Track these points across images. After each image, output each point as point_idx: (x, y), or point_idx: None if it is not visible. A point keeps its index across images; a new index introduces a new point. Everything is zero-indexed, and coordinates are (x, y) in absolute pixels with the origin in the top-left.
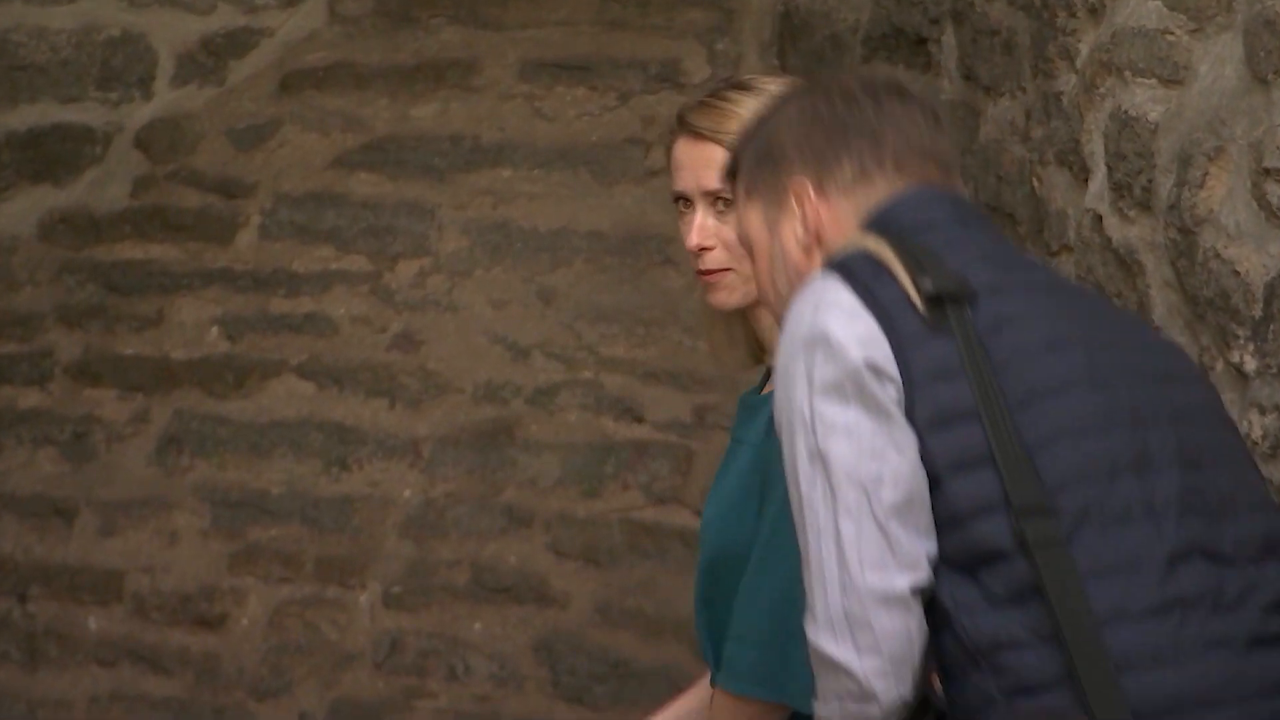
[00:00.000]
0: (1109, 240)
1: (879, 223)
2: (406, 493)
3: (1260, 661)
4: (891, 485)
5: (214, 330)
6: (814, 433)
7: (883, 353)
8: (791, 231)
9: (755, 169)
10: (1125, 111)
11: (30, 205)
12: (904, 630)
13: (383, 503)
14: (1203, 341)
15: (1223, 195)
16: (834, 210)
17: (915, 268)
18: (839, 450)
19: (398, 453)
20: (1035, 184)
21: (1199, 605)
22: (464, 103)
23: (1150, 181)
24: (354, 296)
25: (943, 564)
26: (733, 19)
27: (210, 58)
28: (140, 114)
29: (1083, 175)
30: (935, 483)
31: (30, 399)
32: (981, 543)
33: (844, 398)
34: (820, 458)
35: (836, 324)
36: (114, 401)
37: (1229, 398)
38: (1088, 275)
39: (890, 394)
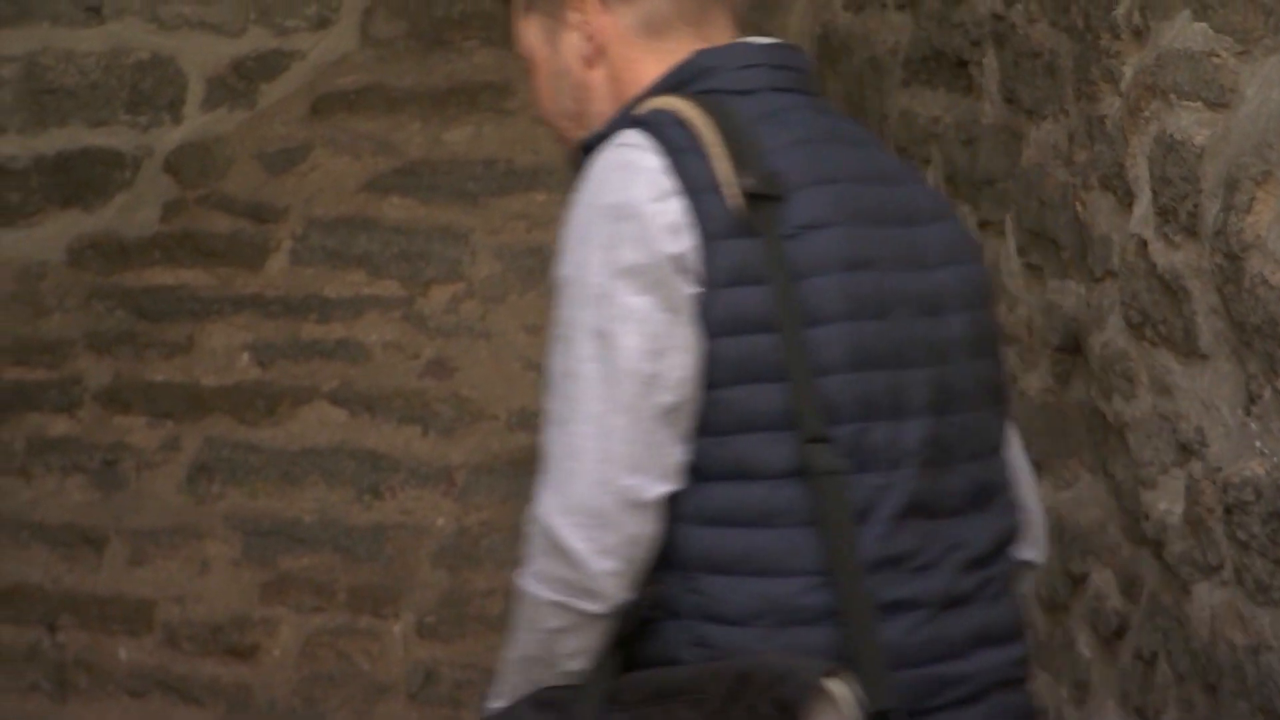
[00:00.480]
0: (1154, 266)
1: (692, 77)
2: (440, 521)
3: (950, 622)
4: (670, 388)
5: (245, 356)
6: (602, 311)
7: (689, 245)
8: (571, 43)
9: None
10: (1170, 135)
11: (59, 230)
12: (646, 536)
13: (416, 531)
14: (1250, 369)
15: (1270, 220)
16: (616, 19)
17: (736, 157)
18: (628, 341)
19: (431, 480)
20: (1079, 209)
21: (903, 564)
22: (497, 126)
23: (1196, 206)
24: (386, 322)
25: (690, 471)
26: None
27: (241, 81)
28: (170, 138)
29: (1127, 200)
30: (712, 388)
31: (59, 427)
32: (750, 459)
33: (643, 286)
34: (605, 340)
35: (646, 201)
36: (144, 429)
37: (1275, 425)
38: (1132, 301)
39: (687, 291)
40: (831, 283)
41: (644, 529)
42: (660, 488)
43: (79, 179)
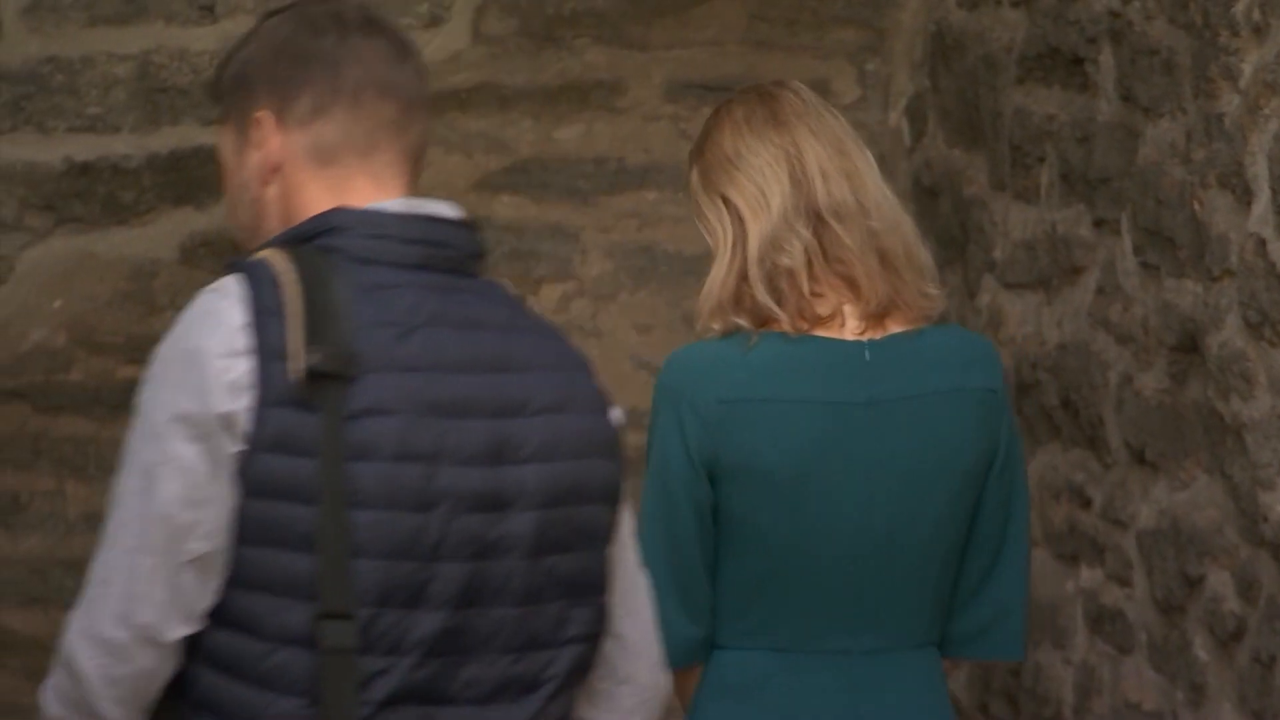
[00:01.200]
0: (1272, 265)
1: (318, 232)
2: None
3: None
4: (203, 538)
5: None
6: (154, 450)
7: (244, 406)
8: (252, 159)
9: (229, 94)
10: None
11: (172, 228)
12: (159, 672)
13: None
14: None
15: None
16: (291, 144)
17: (313, 330)
18: (169, 486)
19: None
20: (1196, 207)
21: None
22: (609, 124)
23: None
24: None
25: (211, 615)
26: (884, 39)
27: None
28: None
29: (1246, 198)
30: (241, 544)
31: None
32: (263, 619)
33: (193, 435)
34: (150, 479)
35: (216, 355)
36: None
37: None
38: (1250, 301)
39: (233, 448)
40: (378, 470)
41: (158, 666)
42: (180, 630)
43: (191, 177)
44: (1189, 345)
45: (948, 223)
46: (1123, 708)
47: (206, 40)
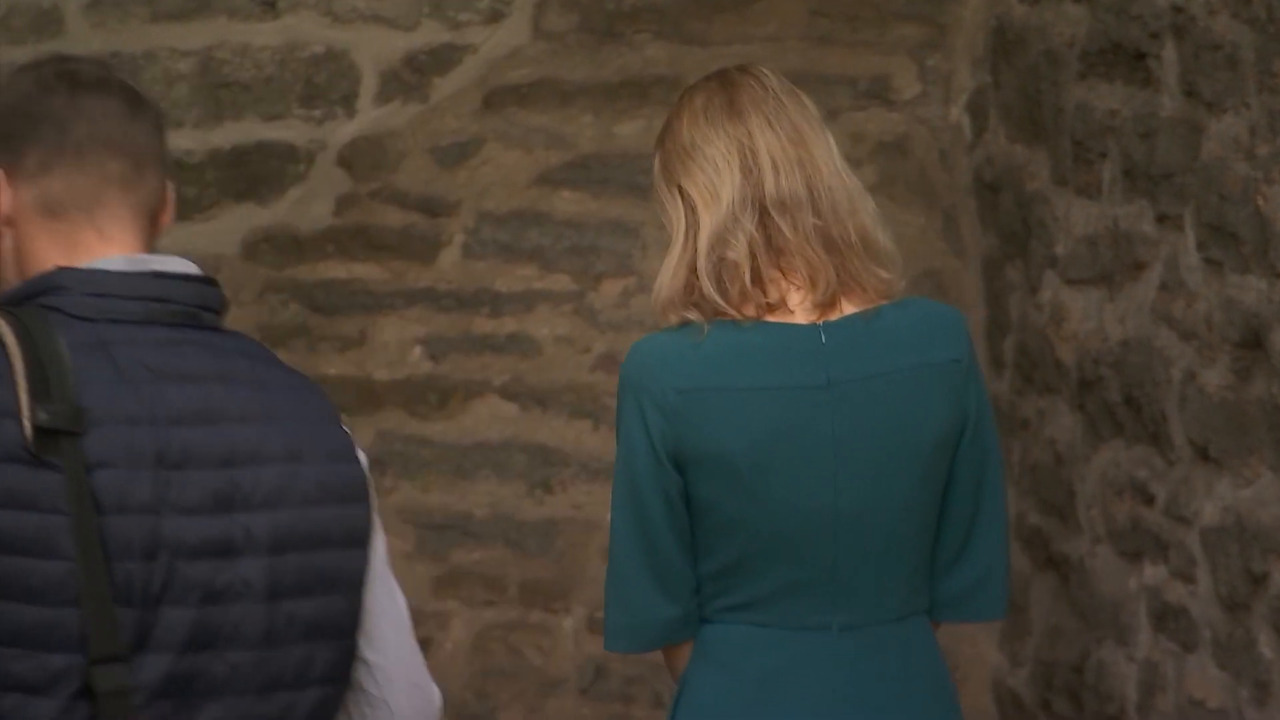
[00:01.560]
0: None
1: (41, 291)
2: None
3: None
4: None
5: (417, 350)
6: None
7: None
8: None
9: None
10: None
11: (234, 224)
12: None
13: (587, 526)
14: None
15: None
16: (21, 198)
17: (35, 387)
18: None
19: (602, 475)
20: (1260, 203)
21: None
22: None
23: None
24: (557, 316)
25: None
26: (945, 34)
27: (413, 74)
28: (343, 131)
29: None
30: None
31: None
32: (36, 670)
33: None
34: None
35: None
36: None
37: None
38: None
39: None
40: (107, 521)
41: None
42: None
43: (254, 173)
44: (1253, 341)
45: (1009, 218)
46: (1187, 705)
47: (268, 36)
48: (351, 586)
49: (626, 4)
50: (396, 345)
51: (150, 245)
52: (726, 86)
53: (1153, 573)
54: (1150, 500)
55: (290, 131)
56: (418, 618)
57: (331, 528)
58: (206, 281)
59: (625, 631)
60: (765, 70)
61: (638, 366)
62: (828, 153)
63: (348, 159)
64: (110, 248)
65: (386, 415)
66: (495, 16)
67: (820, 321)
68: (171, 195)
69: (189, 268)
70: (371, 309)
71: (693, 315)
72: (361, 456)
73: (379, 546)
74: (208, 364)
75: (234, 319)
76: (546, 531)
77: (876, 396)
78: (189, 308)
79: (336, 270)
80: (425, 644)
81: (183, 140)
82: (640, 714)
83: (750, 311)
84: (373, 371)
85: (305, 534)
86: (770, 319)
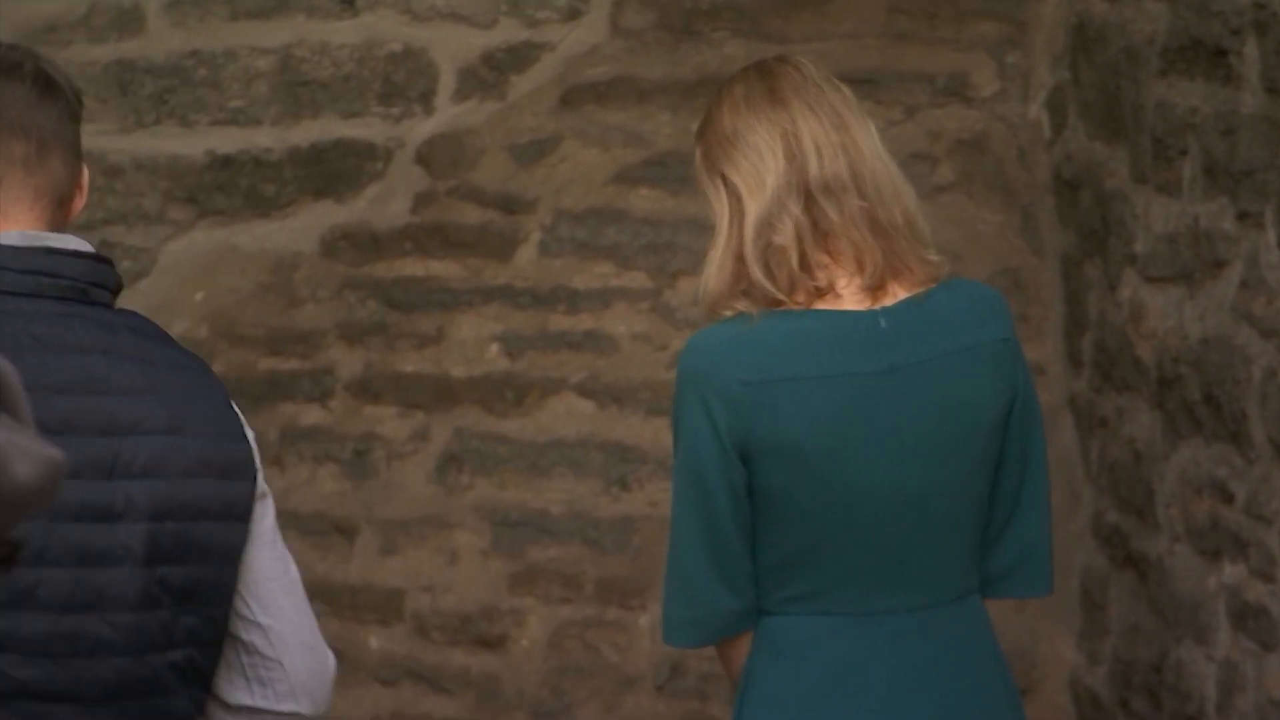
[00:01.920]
0: None
1: None
2: None
3: None
4: None
5: (494, 347)
6: None
7: None
8: None
9: None
10: None
11: (313, 221)
12: None
13: (663, 523)
14: None
15: None
16: None
17: None
18: None
19: None
20: None
21: None
22: None
23: None
24: (634, 314)
25: None
26: (1024, 31)
27: (491, 72)
28: (421, 129)
29: None
30: None
31: (312, 416)
32: None
33: None
34: None
35: None
36: (394, 419)
37: None
38: None
39: None
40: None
41: None
42: None
43: (332, 170)
44: None
45: (1089, 216)
46: (1266, 705)
47: (347, 34)
48: (225, 558)
49: (705, 1)
50: (473, 342)
51: (54, 227)
52: (766, 75)
53: (1232, 571)
54: (1230, 499)
55: (368, 129)
56: (493, 615)
57: (210, 501)
58: (99, 259)
59: (688, 625)
60: (802, 59)
61: (699, 360)
62: (869, 138)
63: (425, 157)
64: (7, 224)
65: (463, 412)
66: (573, 14)
67: (874, 307)
68: (84, 181)
69: (82, 245)
70: (449, 306)
71: (742, 305)
72: (249, 435)
73: (267, 517)
74: (94, 337)
75: (312, 316)
76: (623, 529)
77: (936, 379)
78: (79, 283)
79: (414, 268)
80: (501, 641)
81: (261, 138)
82: (716, 710)
83: (800, 298)
84: (450, 369)
85: (183, 504)
86: (820, 305)
